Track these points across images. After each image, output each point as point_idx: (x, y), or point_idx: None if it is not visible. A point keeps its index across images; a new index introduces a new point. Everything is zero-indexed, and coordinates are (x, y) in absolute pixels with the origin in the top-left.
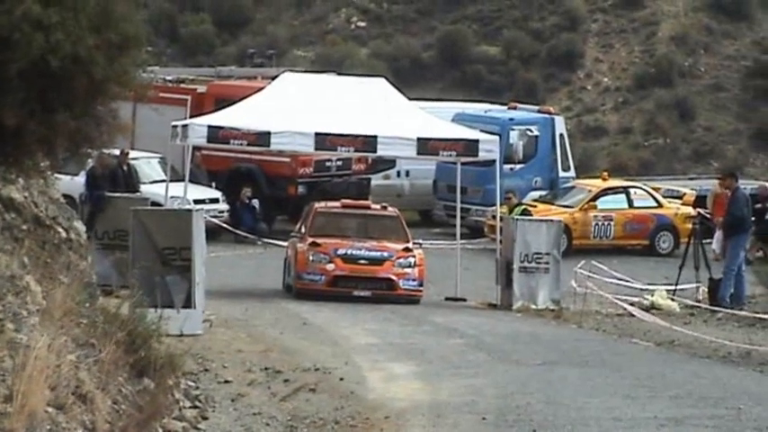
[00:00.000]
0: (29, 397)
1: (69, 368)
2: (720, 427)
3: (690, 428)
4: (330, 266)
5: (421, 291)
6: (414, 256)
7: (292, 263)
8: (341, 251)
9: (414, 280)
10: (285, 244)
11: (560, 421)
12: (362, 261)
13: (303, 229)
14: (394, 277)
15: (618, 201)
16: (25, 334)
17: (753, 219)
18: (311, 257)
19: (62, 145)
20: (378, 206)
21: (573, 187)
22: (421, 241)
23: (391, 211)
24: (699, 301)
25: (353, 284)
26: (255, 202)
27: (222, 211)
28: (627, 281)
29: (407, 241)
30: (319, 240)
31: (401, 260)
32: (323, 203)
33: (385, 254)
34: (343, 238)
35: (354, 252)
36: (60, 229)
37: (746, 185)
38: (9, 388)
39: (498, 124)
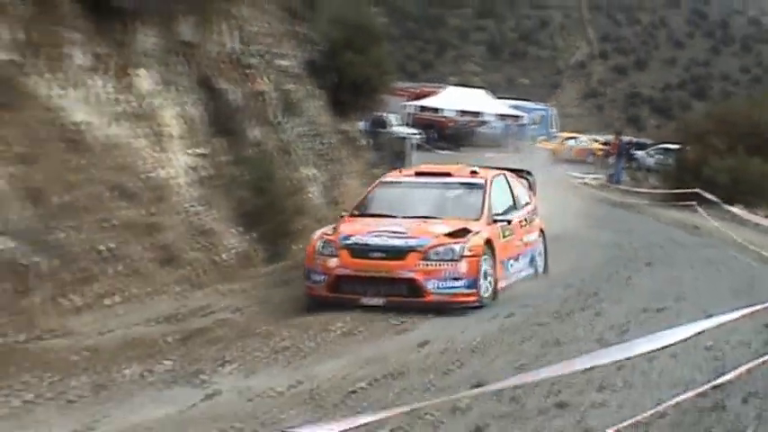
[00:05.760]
0: None
1: None
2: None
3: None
4: (332, 262)
5: (471, 295)
6: (465, 242)
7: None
8: (352, 239)
9: (456, 279)
10: None
11: None
12: (376, 255)
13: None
14: (418, 277)
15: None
16: None
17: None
18: (320, 248)
19: None
20: (463, 172)
21: None
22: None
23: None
24: (606, 182)
25: (361, 289)
26: None
27: None
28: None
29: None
30: (345, 223)
31: (439, 249)
32: (395, 172)
33: (412, 242)
34: (381, 218)
35: (368, 240)
36: None
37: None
38: None
39: None
